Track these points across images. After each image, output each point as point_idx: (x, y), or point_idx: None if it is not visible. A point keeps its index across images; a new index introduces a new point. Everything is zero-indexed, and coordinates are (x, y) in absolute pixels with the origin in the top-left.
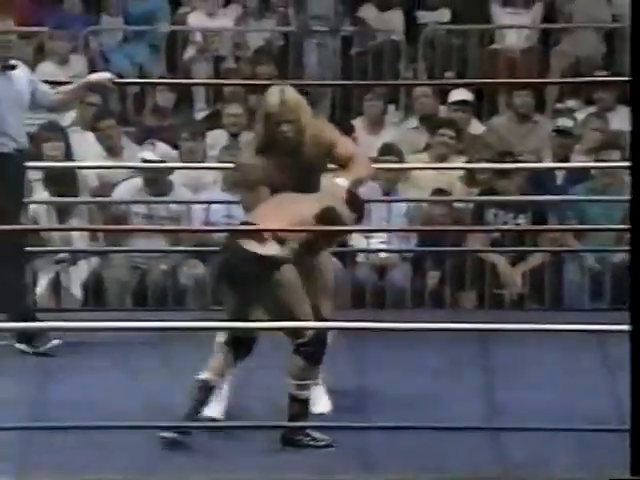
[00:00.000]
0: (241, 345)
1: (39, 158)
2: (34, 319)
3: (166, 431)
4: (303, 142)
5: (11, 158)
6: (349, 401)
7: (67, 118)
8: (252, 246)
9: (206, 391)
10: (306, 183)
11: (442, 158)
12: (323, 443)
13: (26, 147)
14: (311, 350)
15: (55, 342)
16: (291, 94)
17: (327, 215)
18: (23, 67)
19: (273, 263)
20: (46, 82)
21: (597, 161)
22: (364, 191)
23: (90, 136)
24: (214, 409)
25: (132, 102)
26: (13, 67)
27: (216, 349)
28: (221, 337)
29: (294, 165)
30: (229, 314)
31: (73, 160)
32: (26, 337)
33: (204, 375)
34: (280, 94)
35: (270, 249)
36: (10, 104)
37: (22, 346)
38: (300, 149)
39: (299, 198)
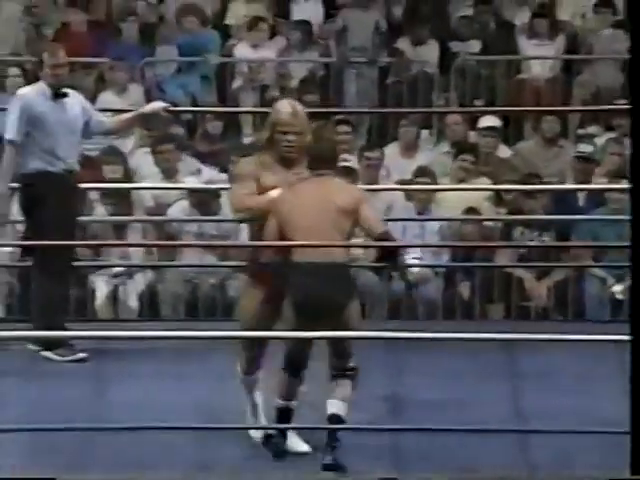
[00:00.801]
0: (297, 365)
1: (100, 179)
2: (61, 329)
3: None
4: (300, 160)
5: (59, 177)
6: (386, 405)
7: (128, 142)
8: (328, 257)
9: (287, 416)
10: None
11: (461, 181)
12: None
13: (75, 169)
14: (355, 371)
15: (81, 355)
16: (302, 109)
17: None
18: (77, 95)
19: (347, 271)
20: (106, 110)
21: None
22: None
23: (149, 158)
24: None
25: (185, 129)
26: (65, 95)
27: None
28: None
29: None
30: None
31: (130, 182)
32: (51, 345)
33: (278, 403)
34: (292, 106)
35: (346, 255)
36: (62, 129)
37: (47, 354)
38: (297, 164)
39: (324, 205)
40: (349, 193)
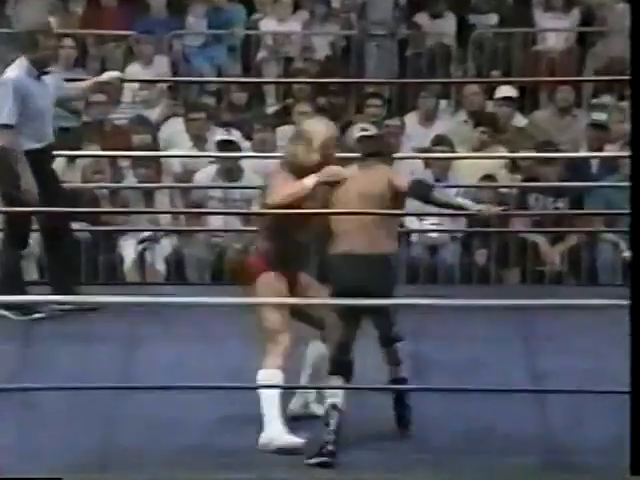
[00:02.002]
0: (345, 368)
1: (129, 147)
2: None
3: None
4: None
5: (44, 152)
6: (406, 366)
7: (155, 112)
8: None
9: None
10: None
11: (478, 150)
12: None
13: (52, 141)
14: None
15: (38, 315)
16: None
17: None
18: (54, 73)
19: (391, 263)
20: (132, 81)
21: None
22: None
23: (179, 127)
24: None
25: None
26: (47, 73)
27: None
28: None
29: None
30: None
31: (158, 149)
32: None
33: (331, 400)
34: (325, 124)
35: (391, 246)
36: (45, 105)
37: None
38: None
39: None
40: (383, 180)
